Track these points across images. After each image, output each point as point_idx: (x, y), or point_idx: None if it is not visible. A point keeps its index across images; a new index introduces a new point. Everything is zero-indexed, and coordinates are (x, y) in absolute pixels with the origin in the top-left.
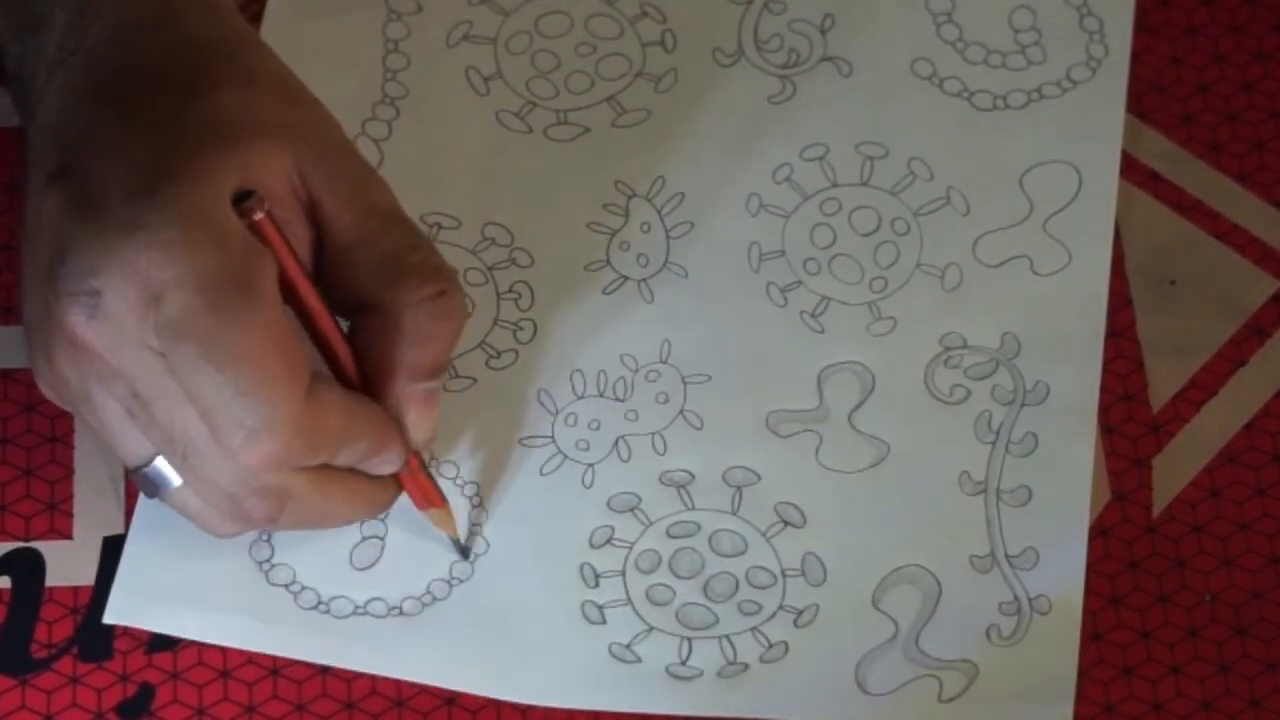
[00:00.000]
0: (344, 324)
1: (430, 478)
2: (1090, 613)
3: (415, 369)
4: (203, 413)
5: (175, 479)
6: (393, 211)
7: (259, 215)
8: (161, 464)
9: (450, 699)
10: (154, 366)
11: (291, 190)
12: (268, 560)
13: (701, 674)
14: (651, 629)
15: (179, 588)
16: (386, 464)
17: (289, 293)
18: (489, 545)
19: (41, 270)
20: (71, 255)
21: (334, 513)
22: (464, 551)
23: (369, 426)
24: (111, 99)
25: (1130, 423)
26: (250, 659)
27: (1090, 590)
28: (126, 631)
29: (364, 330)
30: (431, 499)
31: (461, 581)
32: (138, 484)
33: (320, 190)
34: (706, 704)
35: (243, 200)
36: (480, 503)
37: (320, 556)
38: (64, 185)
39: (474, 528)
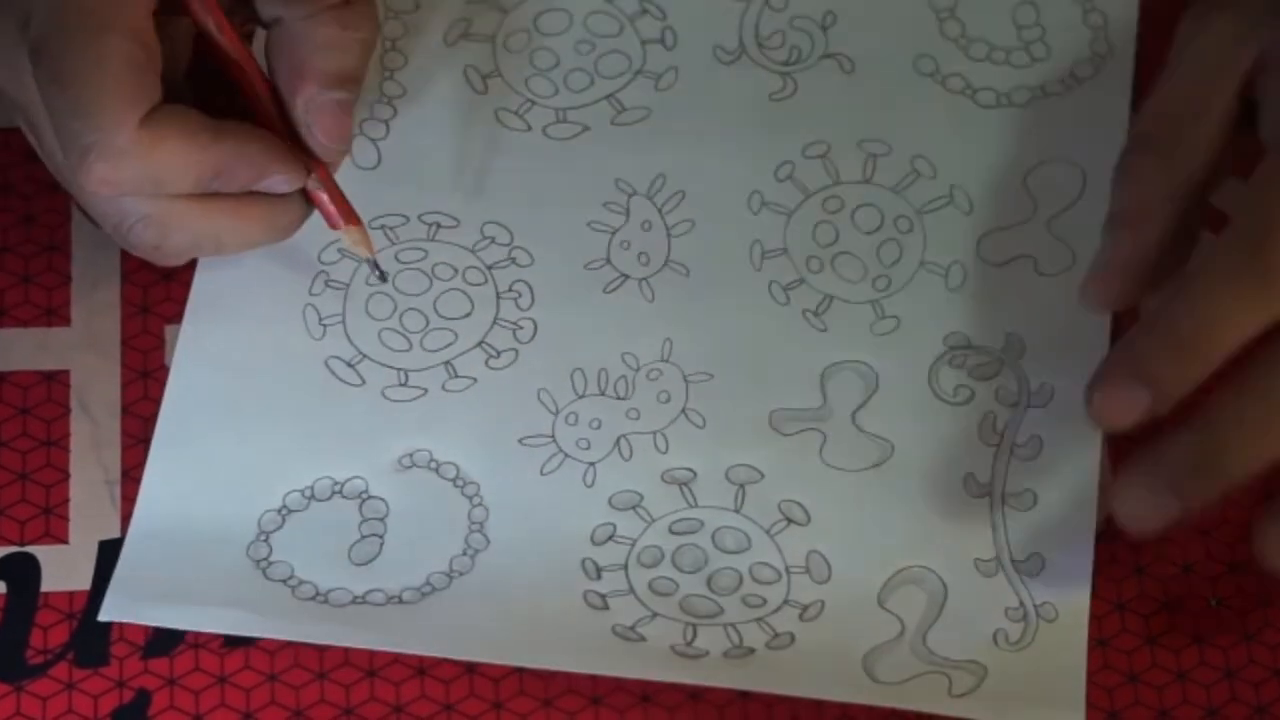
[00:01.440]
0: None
1: (341, 195)
2: (1095, 618)
3: (320, 75)
4: (56, 130)
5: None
6: None
7: None
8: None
9: (448, 705)
10: (36, 94)
11: None
12: (265, 559)
13: (707, 654)
14: (655, 615)
15: (175, 586)
16: (279, 185)
17: (196, 14)
18: (489, 542)
19: None
20: None
21: (229, 237)
22: (382, 275)
23: (241, 153)
24: None
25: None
26: (247, 664)
27: (1095, 595)
28: (123, 637)
29: (272, 46)
30: (344, 216)
31: (461, 575)
32: None
33: None
34: (713, 678)
35: None
36: (481, 502)
37: (318, 554)
38: None
39: (474, 526)
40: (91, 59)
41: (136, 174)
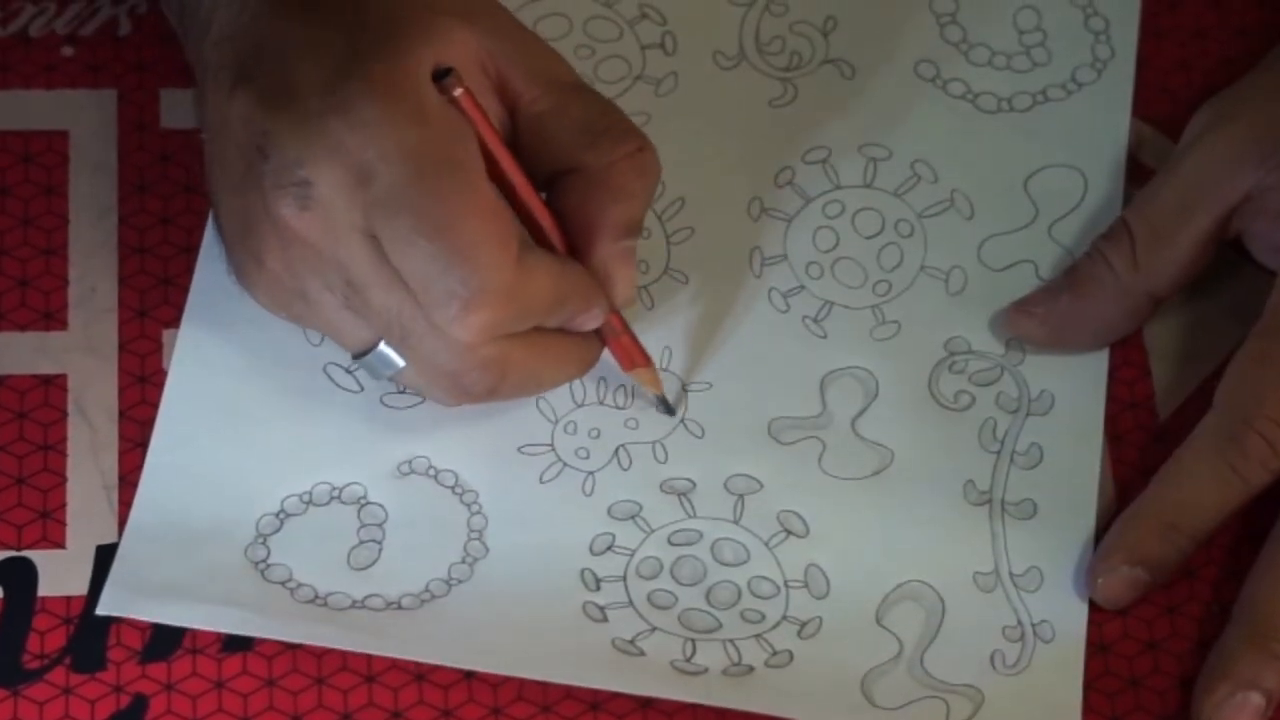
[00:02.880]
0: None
1: (634, 337)
2: (1096, 624)
3: (618, 226)
4: (417, 289)
5: (399, 360)
6: (578, 83)
7: (459, 90)
8: (385, 348)
9: (447, 710)
10: (365, 251)
11: (481, 68)
12: (264, 560)
13: (706, 670)
14: (655, 629)
15: (174, 582)
16: (592, 320)
17: (489, 165)
18: (488, 550)
19: (236, 177)
20: (275, 150)
21: (548, 374)
22: (669, 409)
23: (576, 286)
24: (288, 5)
25: (1137, 431)
26: (245, 669)
27: (1092, 603)
28: (120, 642)
29: (565, 194)
30: (637, 358)
31: (461, 582)
32: (364, 369)
33: (507, 66)
34: (713, 697)
35: (441, 77)
36: (480, 510)
37: (317, 557)
38: (252, 85)
39: (473, 534)
40: (461, 204)
41: (514, 314)
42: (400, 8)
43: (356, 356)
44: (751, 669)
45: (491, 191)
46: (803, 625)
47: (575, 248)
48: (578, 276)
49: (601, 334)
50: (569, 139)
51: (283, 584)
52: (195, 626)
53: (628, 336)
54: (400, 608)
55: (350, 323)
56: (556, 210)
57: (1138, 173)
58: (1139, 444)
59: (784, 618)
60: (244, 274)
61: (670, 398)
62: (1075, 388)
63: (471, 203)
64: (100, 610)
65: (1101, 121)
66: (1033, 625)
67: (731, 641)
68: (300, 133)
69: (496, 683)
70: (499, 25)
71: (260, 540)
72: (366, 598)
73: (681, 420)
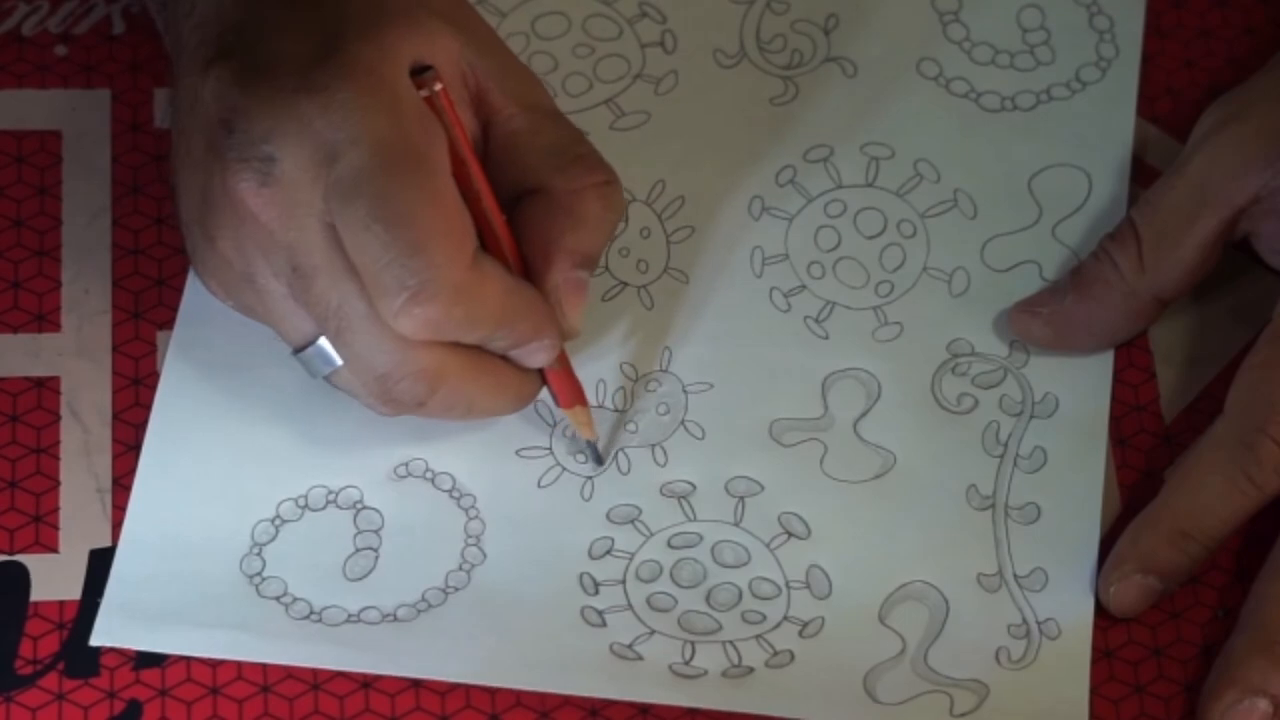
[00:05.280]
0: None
1: (572, 374)
2: (1101, 629)
3: (575, 254)
4: (367, 277)
5: (338, 358)
6: (555, 110)
7: (438, 87)
8: (324, 344)
9: (444, 717)
10: (319, 236)
11: (461, 76)
12: (259, 574)
13: (706, 673)
14: (653, 632)
15: (168, 606)
16: (541, 351)
17: (456, 170)
18: (485, 556)
19: (200, 153)
20: (241, 123)
21: (481, 402)
22: (599, 458)
23: (529, 308)
24: None
25: (1142, 434)
26: (240, 675)
27: (1100, 607)
28: (113, 647)
29: (527, 215)
30: (574, 396)
31: (458, 590)
32: (303, 365)
33: (487, 80)
34: (711, 700)
35: (420, 73)
36: (478, 514)
37: (313, 569)
38: (229, 62)
39: (470, 540)
40: (425, 198)
41: (459, 317)
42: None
43: (296, 351)
44: (751, 670)
45: (454, 191)
46: (804, 625)
47: (531, 270)
48: (532, 300)
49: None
50: (539, 160)
51: (277, 599)
52: (189, 654)
53: (567, 371)
54: (396, 619)
55: (294, 314)
56: (517, 230)
57: (1142, 173)
58: (1144, 447)
59: (785, 618)
60: (197, 256)
61: (669, 400)
62: (1079, 390)
63: (432, 197)
64: (94, 641)
65: (1106, 121)
66: (1038, 623)
67: (731, 643)
68: (270, 108)
69: (494, 689)
70: (484, 40)
71: (256, 551)
72: (362, 610)
73: (681, 422)
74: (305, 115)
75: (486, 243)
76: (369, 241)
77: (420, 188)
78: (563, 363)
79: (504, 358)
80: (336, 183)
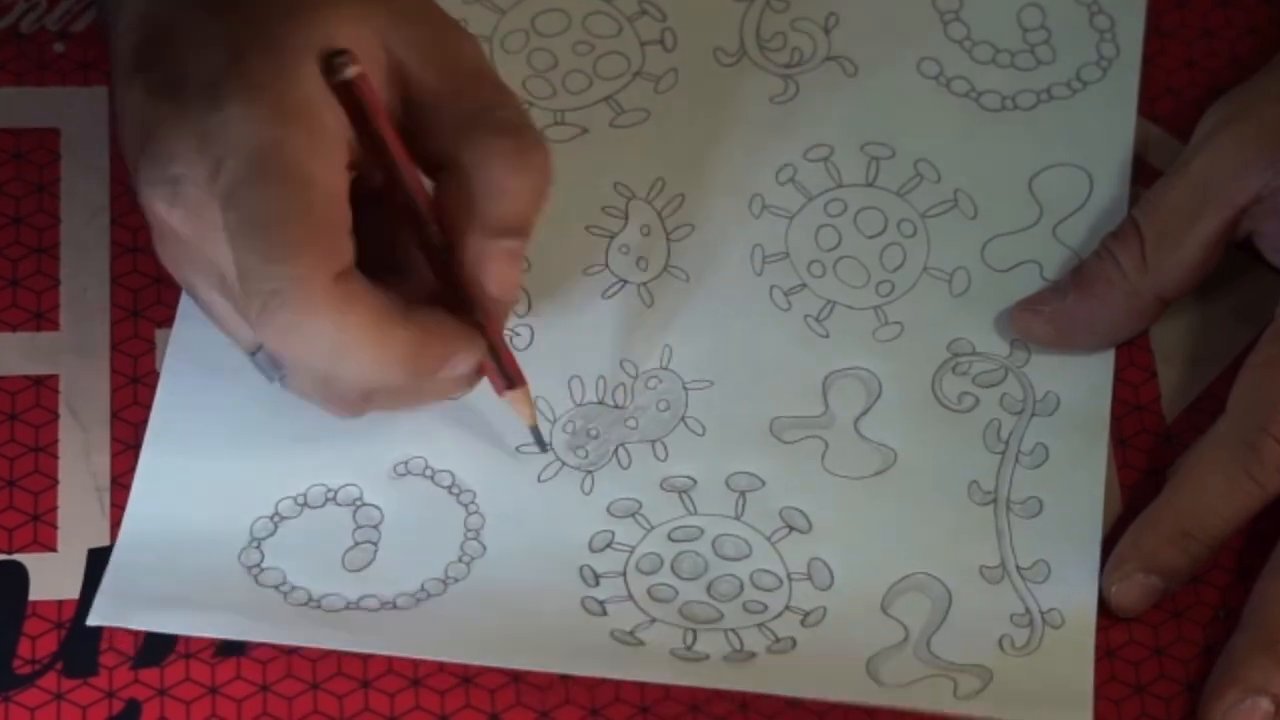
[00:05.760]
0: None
1: (511, 357)
2: (1102, 629)
3: (490, 225)
4: (238, 285)
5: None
6: (476, 67)
7: (348, 74)
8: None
9: (444, 716)
10: (227, 249)
11: (373, 56)
12: (257, 565)
13: (707, 657)
14: (654, 620)
15: (165, 590)
16: (461, 364)
17: (381, 154)
18: (485, 549)
19: (132, 165)
20: (150, 143)
21: (429, 388)
22: (541, 443)
23: (429, 330)
24: None
25: (1143, 434)
26: (239, 674)
27: (1102, 606)
28: (112, 646)
29: (443, 190)
30: (508, 382)
31: (457, 581)
32: (257, 369)
33: (402, 51)
34: (713, 680)
35: (334, 58)
36: (477, 509)
37: (312, 560)
38: (146, 76)
39: (470, 534)
40: (293, 210)
41: (320, 333)
42: None
43: (250, 357)
44: (753, 655)
45: (329, 204)
46: (806, 614)
47: (452, 244)
48: (431, 323)
49: None
50: (452, 131)
51: (276, 588)
52: (186, 633)
53: (505, 355)
54: (395, 607)
55: (237, 323)
56: (440, 208)
57: (1143, 172)
58: (1145, 447)
59: (787, 607)
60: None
61: (670, 397)
62: (1081, 390)
63: (299, 209)
64: (91, 621)
65: (1107, 120)
66: (1041, 613)
67: (733, 630)
68: (175, 128)
69: (494, 688)
70: (404, 9)
71: (254, 544)
72: (361, 599)
73: (682, 418)
74: (205, 133)
75: (418, 227)
76: (237, 249)
77: (288, 198)
78: (495, 346)
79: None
80: (219, 194)
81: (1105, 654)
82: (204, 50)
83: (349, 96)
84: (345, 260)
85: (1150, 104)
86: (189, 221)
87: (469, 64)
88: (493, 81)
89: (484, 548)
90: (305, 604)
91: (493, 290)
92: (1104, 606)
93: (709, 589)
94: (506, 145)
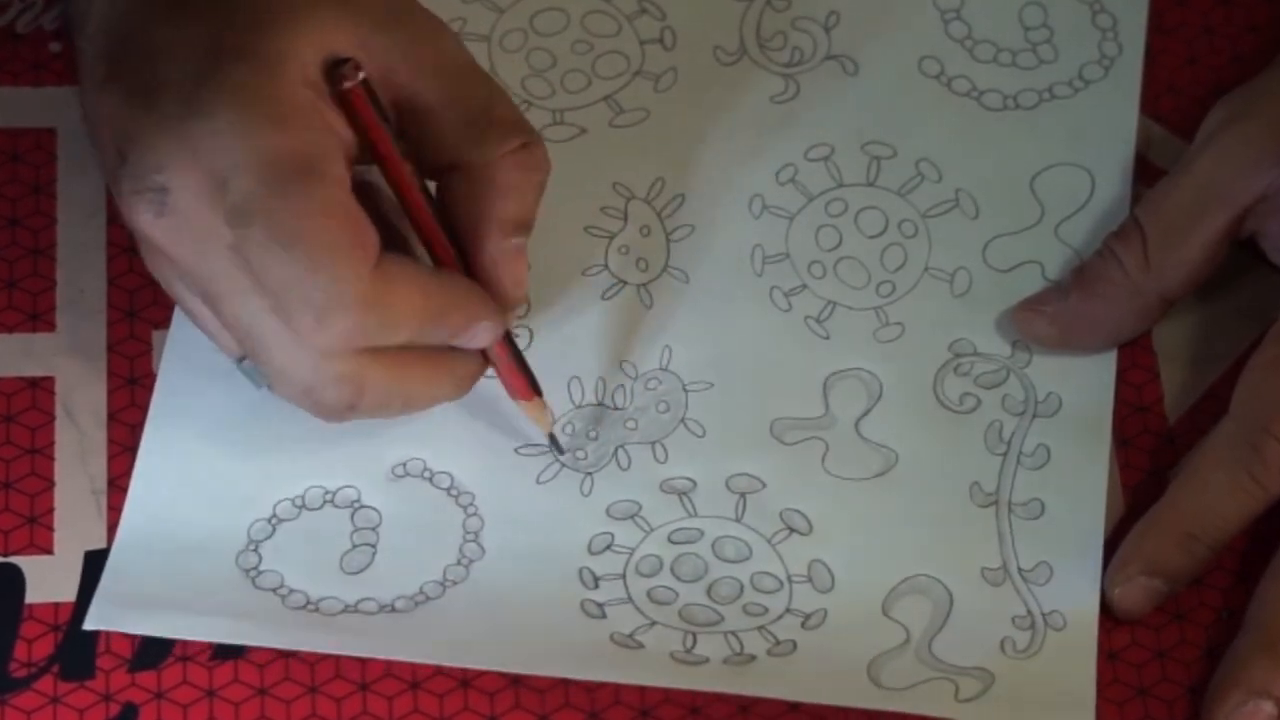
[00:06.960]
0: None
1: (524, 363)
2: (1104, 631)
3: (505, 224)
4: (273, 298)
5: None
6: (467, 66)
7: (348, 84)
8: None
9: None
10: (222, 261)
11: (360, 59)
12: (254, 568)
13: (707, 660)
14: (654, 623)
15: (162, 594)
16: (483, 333)
17: (380, 162)
18: (484, 551)
19: (109, 174)
20: (133, 152)
21: (418, 393)
22: (559, 449)
23: (458, 297)
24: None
25: (1145, 435)
26: (236, 678)
27: (1104, 608)
28: (109, 649)
29: (450, 192)
30: (527, 390)
31: (456, 584)
32: (244, 376)
33: (392, 54)
34: (713, 684)
35: (337, 68)
36: (476, 511)
37: (309, 563)
38: (119, 84)
39: (469, 536)
40: (315, 211)
41: (374, 324)
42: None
43: (236, 364)
44: (753, 658)
45: (347, 198)
46: (807, 617)
47: (463, 248)
48: (459, 289)
49: (490, 359)
50: (454, 133)
51: (274, 590)
52: (183, 638)
53: (518, 364)
54: (394, 610)
55: (222, 331)
56: (444, 208)
57: (1145, 171)
58: (1148, 448)
59: (787, 610)
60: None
61: (669, 398)
62: (1083, 390)
63: (325, 209)
64: (88, 625)
65: (1109, 119)
66: (1043, 615)
67: (733, 633)
68: (159, 137)
69: (493, 691)
70: (381, 10)
71: (252, 547)
72: (359, 602)
73: (682, 420)
74: (194, 143)
75: (419, 231)
76: (270, 264)
77: (310, 201)
78: (514, 356)
79: (437, 348)
80: (231, 209)
81: (1107, 656)
82: (180, 57)
83: (348, 105)
84: (377, 245)
85: (1152, 103)
86: (175, 232)
87: (458, 63)
88: (485, 79)
89: (483, 550)
90: (303, 607)
91: (510, 288)
92: (1106, 609)
93: (709, 591)
94: (514, 144)
